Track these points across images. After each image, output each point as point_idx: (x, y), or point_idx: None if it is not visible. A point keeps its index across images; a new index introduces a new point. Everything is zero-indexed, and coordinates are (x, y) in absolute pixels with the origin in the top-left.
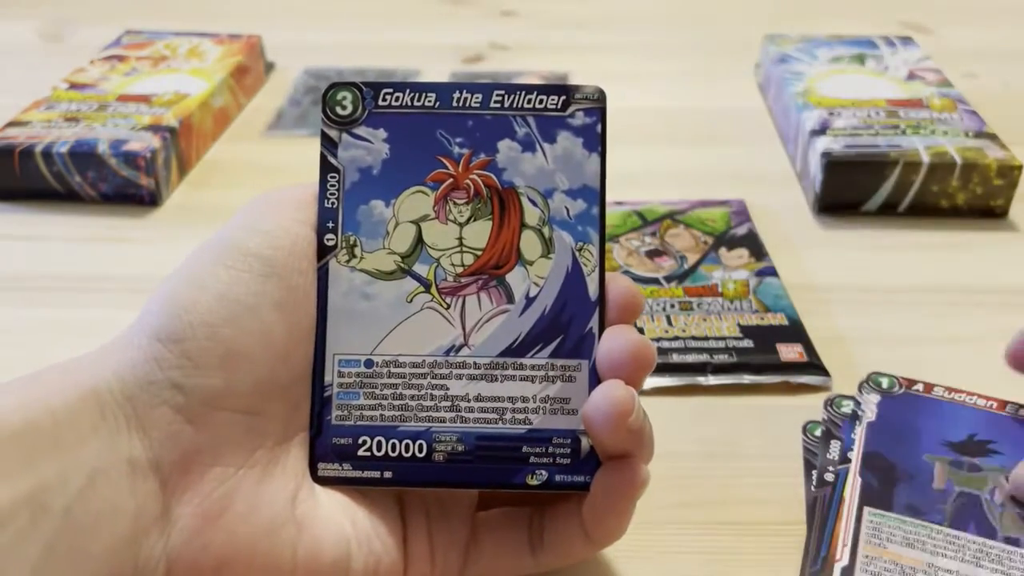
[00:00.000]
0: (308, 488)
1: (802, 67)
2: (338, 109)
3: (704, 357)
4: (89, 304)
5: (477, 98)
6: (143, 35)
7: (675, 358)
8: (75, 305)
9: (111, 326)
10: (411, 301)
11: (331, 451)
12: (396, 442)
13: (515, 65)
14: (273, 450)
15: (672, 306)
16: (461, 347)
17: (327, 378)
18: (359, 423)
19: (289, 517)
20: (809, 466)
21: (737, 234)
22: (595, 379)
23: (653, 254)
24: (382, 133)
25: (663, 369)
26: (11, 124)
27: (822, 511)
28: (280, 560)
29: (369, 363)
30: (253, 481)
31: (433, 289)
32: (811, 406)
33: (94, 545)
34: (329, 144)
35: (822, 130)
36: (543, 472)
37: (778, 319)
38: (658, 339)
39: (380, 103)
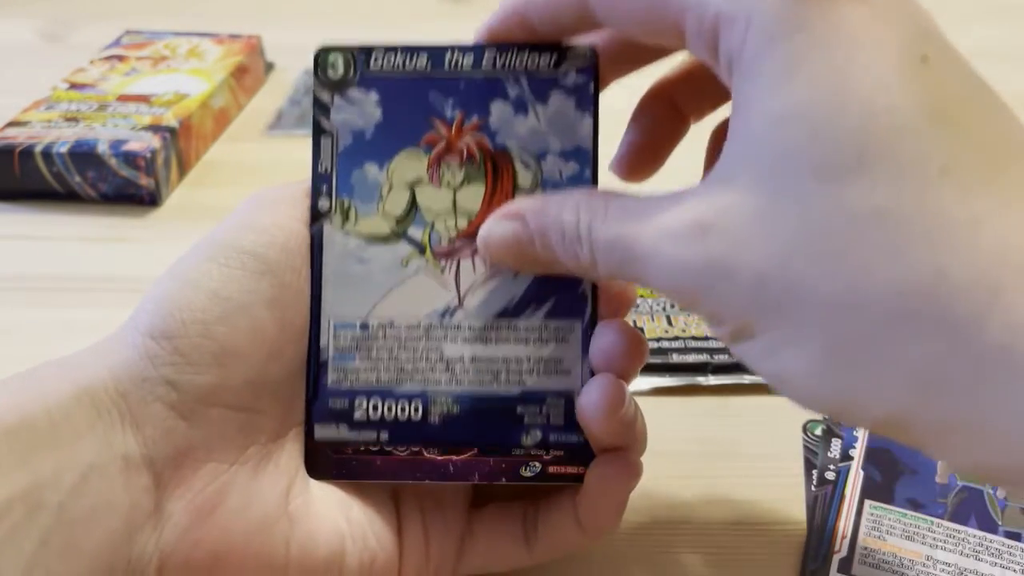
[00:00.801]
0: (302, 484)
1: None
2: (330, 72)
3: (704, 357)
4: (89, 304)
5: (469, 58)
6: (143, 35)
7: (675, 358)
8: (75, 305)
9: (111, 326)
10: (406, 265)
11: (327, 413)
12: (392, 403)
13: None
14: (266, 446)
15: (672, 306)
16: (456, 310)
17: (323, 342)
18: (355, 386)
19: (282, 512)
20: (809, 465)
21: None
22: (588, 341)
23: None
24: (374, 96)
25: (663, 369)
26: (11, 124)
27: (823, 509)
28: (273, 555)
29: (364, 326)
30: (246, 477)
31: (427, 252)
32: None
33: (88, 541)
34: (321, 108)
35: None
36: (537, 432)
37: None
38: (658, 339)
39: (372, 65)
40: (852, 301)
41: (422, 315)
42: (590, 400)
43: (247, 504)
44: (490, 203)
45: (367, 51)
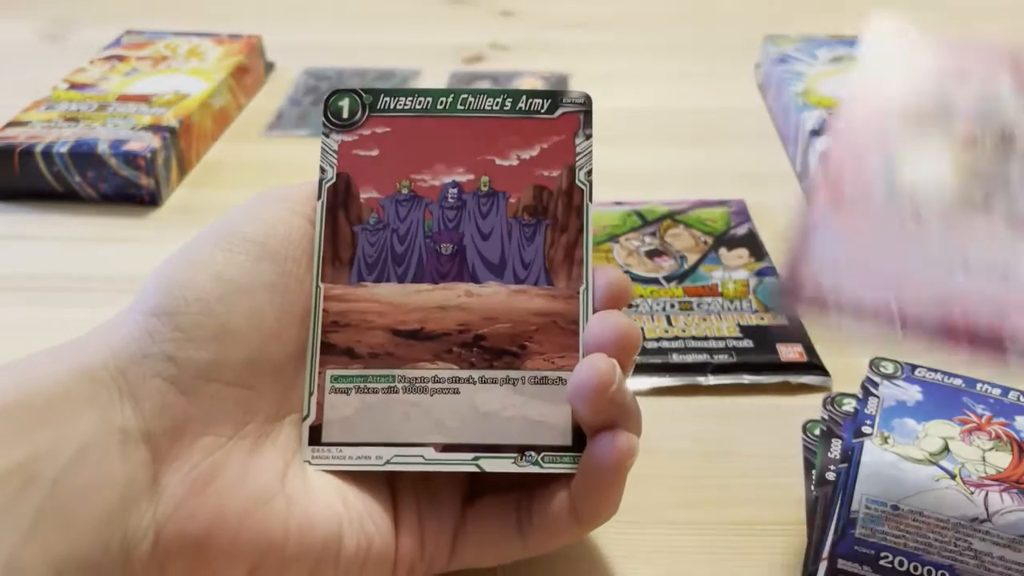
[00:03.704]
0: (298, 467)
1: (802, 67)
2: (882, 368)
3: (704, 357)
4: (89, 304)
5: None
6: (143, 35)
7: (675, 358)
8: (75, 305)
9: None
10: (937, 480)
11: (855, 554)
12: (919, 565)
13: (515, 65)
14: (264, 426)
15: (672, 306)
16: (984, 521)
17: (854, 507)
18: (882, 543)
19: (279, 491)
20: (809, 466)
21: (737, 234)
22: None
23: (653, 254)
24: (918, 389)
25: (663, 369)
26: (11, 124)
27: (823, 510)
28: (271, 533)
29: (895, 508)
30: (243, 453)
31: (958, 479)
32: (811, 406)
33: (84, 513)
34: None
35: (822, 130)
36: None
37: (778, 319)
38: (658, 339)
39: (917, 373)
40: None
41: (951, 515)
42: (580, 378)
43: (243, 479)
44: (1017, 466)
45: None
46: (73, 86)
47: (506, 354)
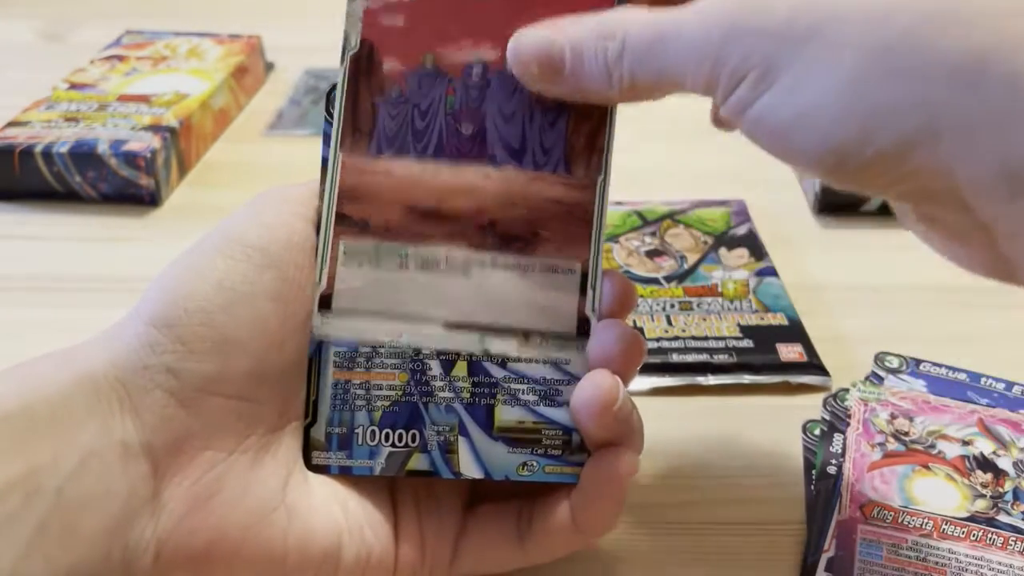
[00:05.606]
0: (300, 476)
1: None
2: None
3: (704, 357)
4: (89, 304)
5: None
6: (143, 35)
7: (675, 358)
8: (75, 305)
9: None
10: None
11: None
12: None
13: None
14: (265, 437)
15: (672, 306)
16: None
17: None
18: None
19: (280, 503)
20: (809, 465)
21: (737, 234)
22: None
23: (653, 254)
24: None
25: (663, 369)
26: (11, 124)
27: (824, 503)
28: (271, 546)
29: None
30: (244, 467)
31: None
32: (811, 406)
33: (85, 526)
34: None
35: None
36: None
37: (778, 319)
38: (658, 339)
39: None
40: (891, 4)
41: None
42: (584, 395)
43: (244, 493)
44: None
45: None
46: (73, 86)
47: (518, 240)
